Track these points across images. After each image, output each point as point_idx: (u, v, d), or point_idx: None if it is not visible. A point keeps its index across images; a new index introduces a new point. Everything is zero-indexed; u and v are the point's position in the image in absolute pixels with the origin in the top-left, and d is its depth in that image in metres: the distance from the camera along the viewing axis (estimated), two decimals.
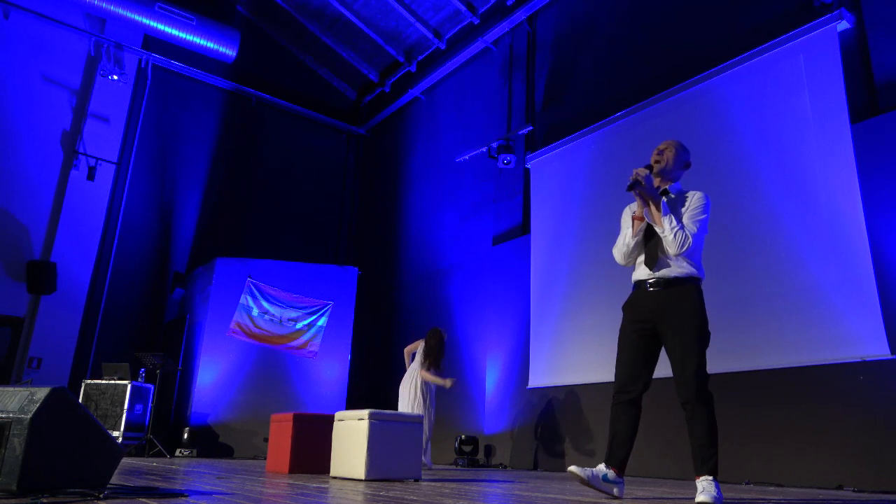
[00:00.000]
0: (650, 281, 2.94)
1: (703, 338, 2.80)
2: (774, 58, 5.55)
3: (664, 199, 2.98)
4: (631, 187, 2.92)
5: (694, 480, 2.76)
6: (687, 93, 6.21)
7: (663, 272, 2.91)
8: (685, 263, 2.91)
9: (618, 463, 2.91)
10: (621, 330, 3.02)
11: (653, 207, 2.94)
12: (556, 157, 7.54)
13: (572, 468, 2.86)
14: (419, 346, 6.35)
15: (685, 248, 2.84)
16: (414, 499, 2.65)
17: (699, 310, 2.84)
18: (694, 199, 3.00)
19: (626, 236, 3.05)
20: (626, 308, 3.04)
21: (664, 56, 6.73)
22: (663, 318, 2.86)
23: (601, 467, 2.90)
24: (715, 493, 2.60)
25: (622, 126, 6.80)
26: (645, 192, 2.93)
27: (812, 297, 4.84)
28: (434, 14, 9.91)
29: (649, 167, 3.03)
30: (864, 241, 4.62)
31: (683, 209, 2.97)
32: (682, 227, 2.86)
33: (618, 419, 2.93)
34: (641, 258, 3.01)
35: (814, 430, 4.64)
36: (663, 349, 2.91)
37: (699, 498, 2.61)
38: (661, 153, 3.11)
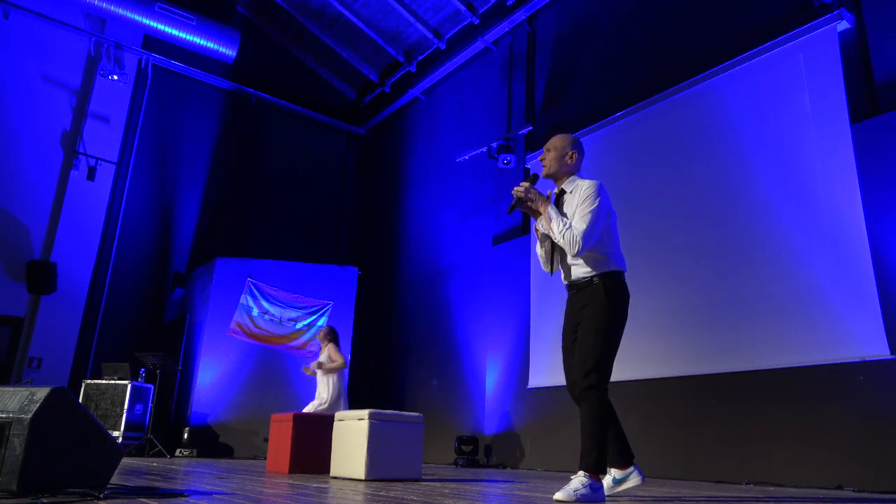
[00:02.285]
0: (567, 284, 3.01)
1: (603, 335, 2.75)
2: (774, 58, 5.55)
3: (559, 200, 2.98)
4: (511, 209, 2.94)
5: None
6: (687, 93, 6.21)
7: (572, 274, 2.95)
8: (585, 263, 2.88)
9: (613, 461, 2.89)
10: (562, 332, 3.10)
11: (543, 215, 2.89)
12: None
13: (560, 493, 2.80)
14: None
15: (577, 247, 2.78)
16: (414, 499, 2.65)
17: (603, 308, 2.78)
18: (581, 193, 2.89)
19: (536, 246, 3.12)
20: (565, 311, 3.11)
21: (664, 56, 6.73)
22: (579, 319, 2.91)
23: (606, 478, 2.89)
24: (582, 491, 2.52)
25: (622, 126, 6.80)
26: (532, 206, 2.90)
27: (812, 297, 4.84)
28: (434, 14, 9.91)
29: (535, 177, 3.01)
30: (864, 241, 4.62)
31: (574, 205, 2.90)
32: (570, 227, 2.81)
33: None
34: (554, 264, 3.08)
35: (814, 430, 4.64)
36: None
37: (557, 495, 2.55)
38: (542, 159, 3.08)
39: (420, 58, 10.61)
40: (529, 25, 8.61)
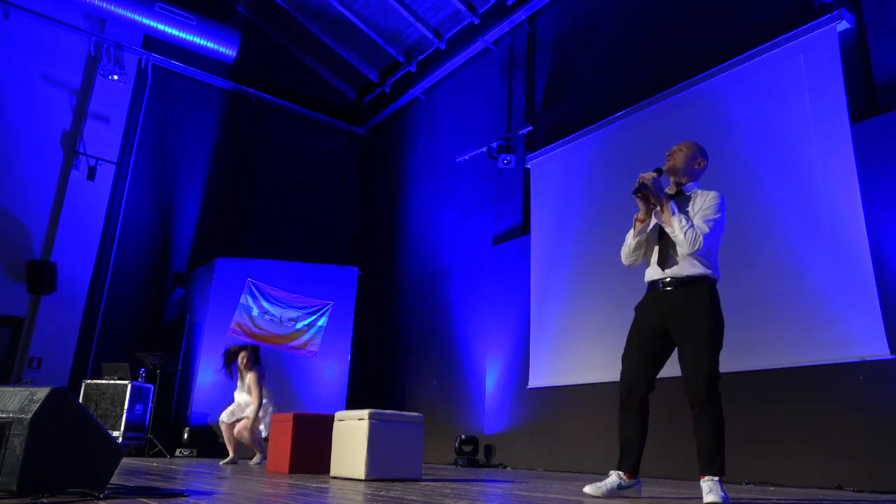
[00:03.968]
0: (663, 280, 2.91)
1: (715, 338, 2.77)
2: (774, 58, 5.55)
3: (673, 199, 2.96)
4: (636, 191, 2.91)
5: (699, 480, 2.75)
6: (687, 93, 6.21)
7: (674, 270, 2.88)
8: (698, 263, 2.87)
9: (629, 467, 2.90)
10: (632, 329, 3.00)
11: (661, 208, 2.91)
12: (556, 157, 7.54)
13: (588, 489, 2.82)
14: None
15: (696, 246, 2.81)
16: (414, 499, 2.65)
17: (713, 310, 2.81)
18: (707, 199, 2.96)
19: (628, 236, 3.05)
20: (639, 308, 3.03)
21: (664, 56, 6.73)
22: (675, 319, 2.83)
23: (613, 477, 2.88)
24: (722, 494, 2.59)
25: (622, 126, 6.80)
26: (651, 195, 2.91)
27: (812, 297, 4.84)
28: (434, 14, 9.91)
29: (659, 170, 3.01)
30: (864, 241, 4.62)
31: (696, 208, 2.94)
32: (693, 227, 2.83)
33: (626, 423, 2.93)
34: (654, 258, 2.99)
35: (814, 430, 4.64)
36: (675, 352, 2.90)
37: (708, 498, 2.59)
38: (671, 154, 3.08)
39: (420, 58, 10.61)
40: (529, 25, 8.61)
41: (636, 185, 2.93)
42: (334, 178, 11.80)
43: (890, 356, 4.32)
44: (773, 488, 4.33)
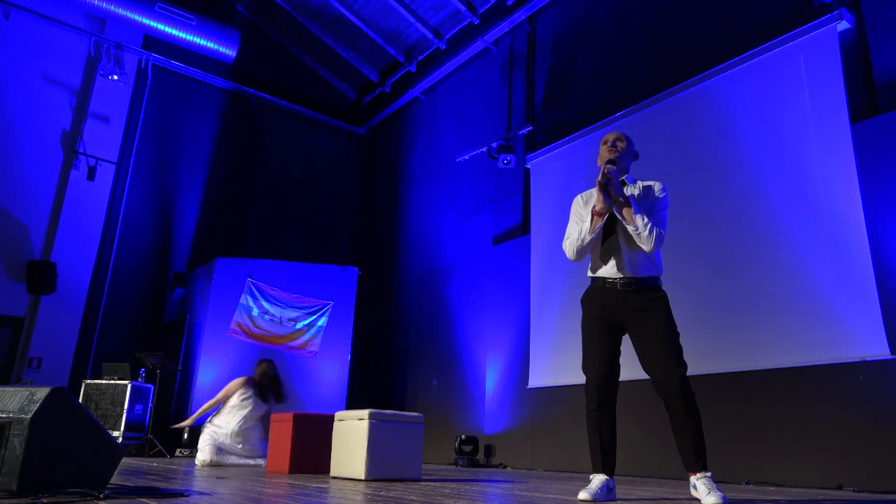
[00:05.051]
0: (622, 280, 2.85)
1: (677, 336, 2.78)
2: (774, 58, 5.55)
3: (626, 192, 2.90)
4: (604, 186, 2.81)
5: (690, 478, 2.73)
6: (687, 93, 6.21)
7: (634, 270, 2.84)
8: (651, 261, 2.85)
9: (612, 468, 2.83)
10: (588, 327, 2.93)
11: (626, 203, 2.83)
12: (555, 157, 7.54)
13: (582, 496, 2.69)
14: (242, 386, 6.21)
15: (659, 244, 2.79)
16: (414, 499, 2.65)
17: (669, 314, 2.82)
18: (656, 191, 2.92)
19: (583, 230, 2.91)
20: (591, 304, 2.94)
21: (664, 56, 6.73)
22: (638, 319, 2.80)
23: (602, 478, 2.76)
24: (720, 492, 2.55)
25: (622, 126, 6.80)
26: (614, 189, 2.83)
27: (812, 297, 4.84)
28: (434, 14, 9.91)
29: (612, 161, 2.90)
30: (864, 241, 4.62)
31: (647, 201, 2.89)
32: (655, 224, 2.79)
33: (605, 424, 2.81)
34: (602, 254, 2.91)
35: (814, 430, 4.64)
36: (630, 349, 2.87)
37: (710, 498, 2.52)
38: (614, 144, 2.97)
39: (420, 58, 10.61)
40: (529, 25, 8.61)
41: (602, 177, 2.81)
42: (334, 178, 11.80)
43: (890, 356, 4.32)
44: (773, 488, 4.33)
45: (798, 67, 5.35)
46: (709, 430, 5.13)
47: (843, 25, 5.17)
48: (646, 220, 2.79)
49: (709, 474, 2.65)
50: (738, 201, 5.53)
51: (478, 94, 9.33)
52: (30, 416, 2.20)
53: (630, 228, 2.81)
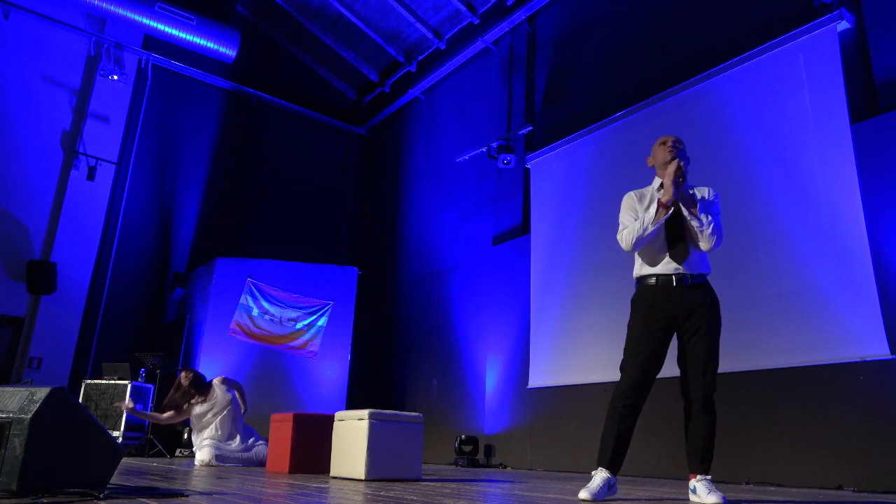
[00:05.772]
0: (684, 275, 2.83)
1: (718, 340, 2.81)
2: (774, 58, 5.55)
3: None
4: (679, 178, 2.82)
5: (690, 480, 2.74)
6: (687, 93, 6.21)
7: (693, 267, 2.85)
8: (706, 260, 2.91)
9: (619, 465, 2.81)
10: (640, 324, 2.87)
11: (690, 203, 2.87)
12: (556, 157, 7.54)
13: (583, 495, 2.67)
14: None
15: (718, 244, 2.84)
16: (414, 499, 2.65)
17: (719, 314, 2.84)
18: (712, 195, 2.99)
19: (645, 221, 2.87)
20: (644, 302, 2.90)
21: (664, 56, 6.73)
22: (692, 316, 2.78)
23: (605, 475, 2.74)
24: (720, 494, 2.60)
25: (622, 126, 6.80)
26: (680, 185, 2.86)
27: (812, 297, 4.84)
28: (434, 14, 9.91)
29: (684, 160, 2.95)
30: (864, 241, 4.62)
31: (703, 204, 2.94)
32: (716, 224, 2.84)
33: (626, 422, 2.79)
34: (661, 250, 2.89)
35: (814, 430, 4.64)
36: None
37: (711, 498, 2.57)
38: (674, 145, 3.00)
39: (420, 58, 10.61)
40: (529, 25, 8.61)
41: (679, 172, 2.83)
42: (334, 178, 11.80)
43: (890, 356, 4.32)
44: (773, 488, 4.33)
45: (798, 67, 5.35)
46: None
47: (843, 25, 5.17)
48: (709, 217, 2.84)
49: (709, 477, 2.68)
50: (737, 201, 5.52)
51: (478, 94, 9.33)
52: (30, 416, 2.20)
53: (694, 224, 2.84)
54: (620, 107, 6.88)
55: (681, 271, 2.84)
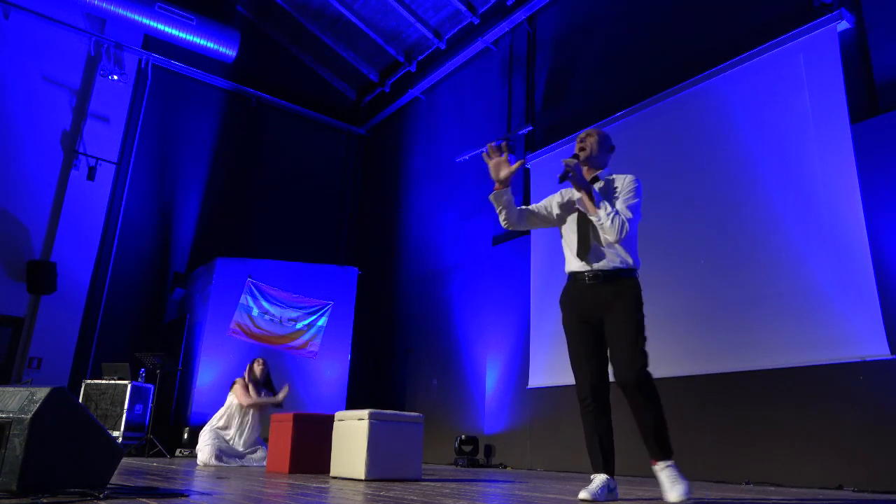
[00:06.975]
0: (589, 273, 2.87)
1: (642, 328, 2.75)
2: (774, 58, 5.55)
3: (595, 186, 2.91)
4: (563, 178, 2.83)
5: (653, 465, 2.66)
6: (687, 93, 6.21)
7: (601, 265, 2.84)
8: (622, 254, 2.84)
9: (613, 468, 2.80)
10: (569, 327, 2.93)
11: (584, 196, 2.85)
12: (556, 157, 7.54)
13: (583, 495, 2.66)
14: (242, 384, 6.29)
15: (623, 234, 2.76)
16: (414, 499, 2.65)
17: (638, 304, 2.79)
18: (625, 183, 2.91)
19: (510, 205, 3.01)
20: (568, 303, 2.96)
21: (664, 56, 6.73)
22: (605, 311, 2.80)
23: (603, 478, 2.73)
24: (684, 483, 2.51)
25: (622, 126, 6.80)
26: (576, 181, 2.84)
27: (812, 297, 4.84)
28: (434, 14, 9.91)
29: (576, 157, 2.94)
30: (864, 241, 4.62)
31: (615, 194, 2.89)
32: (618, 213, 2.78)
33: (598, 424, 2.80)
34: (573, 248, 2.94)
35: (814, 430, 4.64)
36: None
37: (672, 494, 2.49)
38: (583, 141, 3.03)
39: (420, 58, 10.61)
40: (529, 25, 8.61)
41: (562, 172, 2.85)
42: (334, 178, 11.80)
43: (890, 356, 4.32)
44: (773, 488, 4.33)
45: (798, 67, 5.35)
46: (708, 430, 5.16)
47: (843, 25, 5.17)
48: (609, 209, 2.79)
49: (671, 463, 2.60)
50: (737, 201, 5.53)
51: (478, 94, 9.33)
52: (30, 416, 2.20)
53: (593, 219, 2.83)
54: (620, 107, 6.89)
55: (591, 270, 2.86)
